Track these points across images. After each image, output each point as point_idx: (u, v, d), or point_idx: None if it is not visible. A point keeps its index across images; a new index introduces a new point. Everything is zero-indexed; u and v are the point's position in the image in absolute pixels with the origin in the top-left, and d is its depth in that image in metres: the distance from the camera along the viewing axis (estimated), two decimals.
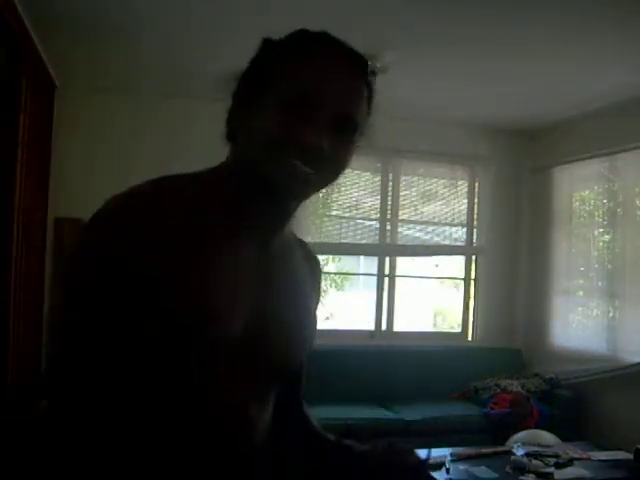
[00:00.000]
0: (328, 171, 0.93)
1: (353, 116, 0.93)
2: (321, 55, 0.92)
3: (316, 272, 1.15)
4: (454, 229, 5.22)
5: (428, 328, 5.26)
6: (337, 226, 4.80)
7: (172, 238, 0.87)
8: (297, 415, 1.18)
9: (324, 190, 1.01)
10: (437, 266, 5.38)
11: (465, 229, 5.24)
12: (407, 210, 5.06)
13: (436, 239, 5.15)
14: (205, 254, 0.90)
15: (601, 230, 4.62)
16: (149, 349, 0.87)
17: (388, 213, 5.00)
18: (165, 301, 0.86)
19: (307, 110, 0.88)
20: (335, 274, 5.75)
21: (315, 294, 1.13)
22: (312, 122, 0.88)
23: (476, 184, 5.24)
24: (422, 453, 1.09)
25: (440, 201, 5.15)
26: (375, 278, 5.05)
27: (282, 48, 0.94)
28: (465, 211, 5.21)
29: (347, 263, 5.59)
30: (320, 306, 1.17)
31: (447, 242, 5.19)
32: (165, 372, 0.88)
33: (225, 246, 0.93)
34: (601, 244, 4.63)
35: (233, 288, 0.92)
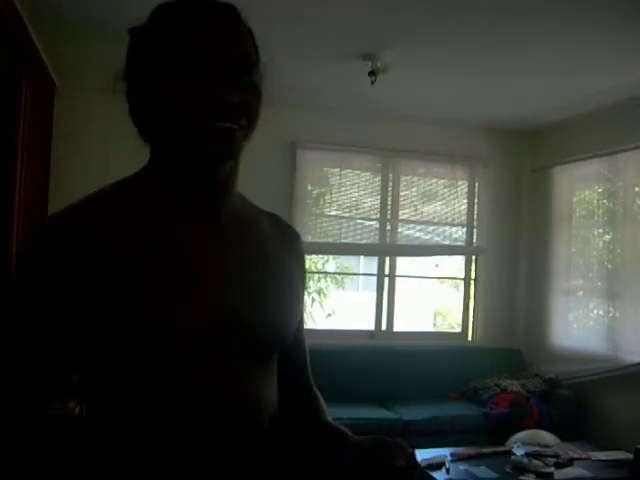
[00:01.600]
0: (246, 119, 0.92)
1: (242, 58, 0.92)
2: (190, 18, 0.91)
3: (293, 243, 1.11)
4: (454, 229, 5.21)
5: (428, 328, 5.26)
6: (337, 226, 4.79)
7: (110, 247, 0.88)
8: (301, 398, 1.15)
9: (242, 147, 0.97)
10: (437, 266, 5.38)
11: (465, 229, 5.23)
12: (407, 210, 5.06)
13: (436, 239, 5.15)
14: (149, 256, 0.89)
15: (601, 230, 4.62)
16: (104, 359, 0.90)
17: (388, 213, 4.99)
18: (110, 314, 0.86)
19: (202, 72, 0.88)
20: (334, 274, 5.75)
21: (294, 265, 1.08)
22: (212, 82, 0.88)
23: (476, 184, 5.24)
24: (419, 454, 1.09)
25: (440, 201, 5.15)
26: (375, 278, 5.06)
27: (151, 29, 0.95)
28: (465, 211, 5.21)
29: (347, 263, 5.59)
30: (305, 276, 1.14)
31: (447, 242, 5.18)
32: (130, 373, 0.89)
33: (168, 239, 0.92)
34: (601, 244, 4.63)
35: (185, 283, 0.90)
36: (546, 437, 3.60)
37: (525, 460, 3.08)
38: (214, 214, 0.96)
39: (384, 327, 5.03)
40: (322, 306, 5.57)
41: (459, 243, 5.24)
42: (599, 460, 3.25)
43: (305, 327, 1.18)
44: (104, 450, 0.92)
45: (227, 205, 0.98)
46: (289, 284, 1.04)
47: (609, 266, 4.47)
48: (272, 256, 1.03)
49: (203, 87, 0.87)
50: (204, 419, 0.91)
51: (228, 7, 0.94)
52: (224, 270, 0.95)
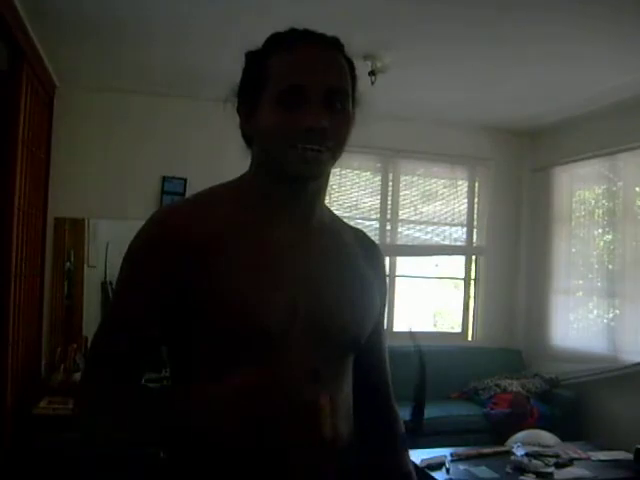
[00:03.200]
0: (333, 144, 1.01)
1: (340, 86, 1.01)
2: (295, 48, 1.01)
3: (374, 255, 1.21)
4: (454, 229, 5.21)
5: (428, 328, 5.25)
6: None
7: (216, 239, 0.99)
8: (378, 412, 1.28)
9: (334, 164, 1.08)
10: (437, 266, 5.38)
11: (465, 229, 5.23)
12: (407, 210, 5.06)
13: (436, 239, 5.15)
14: (245, 251, 1.00)
15: (601, 230, 4.62)
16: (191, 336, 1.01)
17: (388, 213, 4.99)
18: (208, 301, 0.97)
19: (298, 97, 0.97)
20: None
21: (373, 273, 1.17)
22: (306, 106, 0.97)
23: (476, 184, 5.24)
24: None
25: (440, 201, 5.15)
26: None
27: (261, 54, 1.04)
28: (465, 211, 5.21)
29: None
30: (384, 288, 1.23)
31: (447, 242, 5.18)
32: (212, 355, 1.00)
33: (263, 239, 1.03)
34: (601, 244, 4.63)
35: (269, 275, 1.00)
36: (546, 437, 3.60)
37: (525, 460, 3.08)
38: (301, 220, 1.07)
39: (384, 327, 5.02)
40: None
41: (459, 243, 5.24)
42: (599, 460, 3.25)
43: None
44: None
45: (315, 215, 1.09)
46: (365, 290, 1.12)
47: (609, 266, 4.47)
48: (351, 263, 1.13)
49: (297, 111, 0.97)
50: (272, 421, 0.94)
51: (331, 40, 1.05)
52: (305, 269, 1.04)
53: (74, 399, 1.09)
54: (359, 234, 1.22)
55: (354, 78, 1.07)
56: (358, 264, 1.13)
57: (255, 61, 1.04)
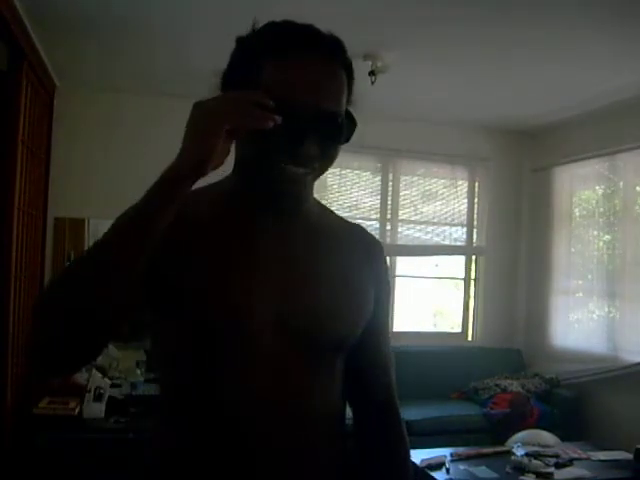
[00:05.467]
0: (320, 165, 0.97)
1: (334, 110, 0.93)
2: (293, 58, 0.93)
3: (374, 252, 1.14)
4: (454, 229, 5.22)
5: (428, 328, 5.25)
6: None
7: (197, 237, 0.97)
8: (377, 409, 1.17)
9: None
10: (437, 266, 5.38)
11: (465, 229, 5.24)
12: (407, 210, 5.06)
13: (436, 239, 5.15)
14: (222, 250, 0.98)
15: (601, 230, 4.62)
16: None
17: (388, 213, 4.99)
18: (174, 289, 0.95)
19: (287, 116, 0.88)
20: None
21: (368, 270, 1.10)
22: (297, 127, 0.90)
23: (476, 184, 5.24)
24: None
25: (440, 201, 5.15)
26: None
27: (254, 51, 0.96)
28: (465, 211, 5.21)
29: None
30: (385, 286, 1.16)
31: (447, 242, 5.18)
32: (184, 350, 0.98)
33: (243, 238, 1.00)
34: (601, 244, 4.63)
35: (250, 278, 0.97)
36: (546, 437, 3.60)
37: (525, 460, 3.07)
38: (285, 219, 1.02)
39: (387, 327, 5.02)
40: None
41: (459, 243, 5.24)
42: (599, 460, 3.25)
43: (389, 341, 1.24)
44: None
45: (300, 213, 1.04)
46: (353, 288, 1.06)
47: (609, 266, 4.47)
48: (338, 261, 1.06)
49: (287, 130, 0.89)
50: (228, 417, 0.96)
51: (333, 42, 0.96)
52: (284, 268, 1.00)
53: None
54: (357, 230, 1.16)
55: (351, 80, 0.99)
56: (348, 261, 1.07)
57: (245, 57, 0.97)
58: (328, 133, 0.93)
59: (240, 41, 1.00)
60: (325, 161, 0.97)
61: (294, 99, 0.89)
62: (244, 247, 0.99)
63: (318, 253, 1.04)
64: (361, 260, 1.10)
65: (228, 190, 1.04)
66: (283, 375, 0.96)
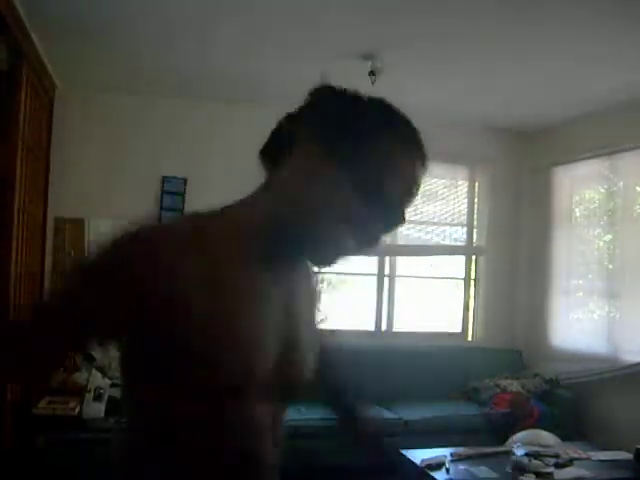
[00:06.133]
0: None
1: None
2: (414, 172, 0.96)
3: (312, 278, 1.15)
4: (454, 229, 5.22)
5: (428, 328, 5.25)
6: None
7: (201, 276, 0.88)
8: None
9: None
10: (437, 266, 5.38)
11: (465, 229, 5.24)
12: (407, 210, 5.04)
13: (436, 239, 5.15)
14: (233, 295, 0.91)
15: (601, 230, 4.62)
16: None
17: None
18: (188, 338, 0.87)
19: (382, 206, 0.91)
20: (335, 273, 5.72)
21: (316, 302, 1.15)
22: (380, 232, 0.94)
23: (476, 184, 5.24)
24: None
25: (440, 201, 5.15)
26: (375, 278, 5.05)
27: (382, 129, 0.93)
28: (465, 211, 5.21)
29: (347, 263, 5.59)
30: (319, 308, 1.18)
31: (447, 242, 5.18)
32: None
33: (251, 285, 0.94)
34: (601, 244, 4.63)
35: (262, 327, 0.94)
36: (546, 437, 3.60)
37: (525, 460, 3.07)
38: (286, 274, 1.00)
39: (384, 327, 5.03)
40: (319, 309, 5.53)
41: (459, 243, 5.24)
42: (599, 460, 3.25)
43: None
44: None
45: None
46: (318, 333, 1.12)
47: (609, 266, 4.47)
48: (311, 307, 1.11)
49: (374, 225, 0.92)
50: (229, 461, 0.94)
51: (424, 146, 0.98)
52: (284, 320, 0.98)
53: None
54: None
55: None
56: (312, 304, 1.12)
57: (373, 126, 0.92)
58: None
59: (364, 104, 0.96)
60: None
61: (399, 198, 0.94)
62: (249, 300, 0.94)
63: (301, 294, 1.04)
64: (310, 288, 1.13)
65: (254, 233, 0.95)
66: (272, 427, 0.98)
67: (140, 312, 0.86)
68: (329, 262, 0.96)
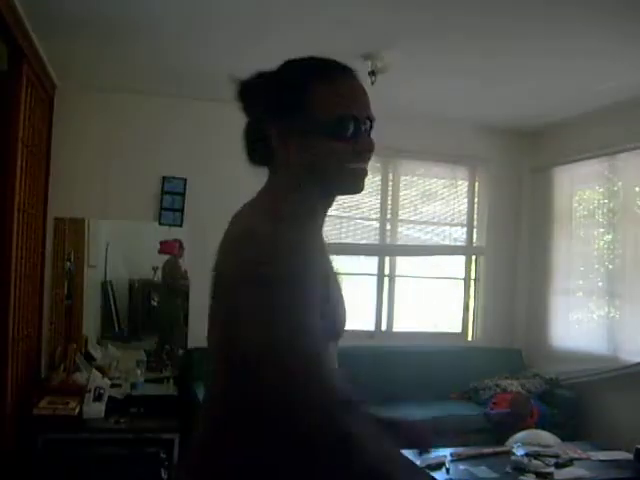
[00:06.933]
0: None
1: (373, 117, 1.18)
2: (336, 79, 1.15)
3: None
4: (454, 229, 5.21)
5: (428, 328, 5.25)
6: (337, 226, 4.79)
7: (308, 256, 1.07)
8: None
9: None
10: (437, 266, 5.38)
11: (465, 229, 5.24)
12: (407, 210, 5.06)
13: (436, 239, 5.15)
14: (325, 267, 1.16)
15: (601, 230, 4.62)
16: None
17: (388, 213, 4.99)
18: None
19: (351, 126, 1.12)
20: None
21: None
22: (359, 134, 1.13)
23: (476, 184, 5.24)
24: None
25: (440, 201, 5.15)
26: (375, 278, 5.05)
27: (301, 81, 1.15)
28: (465, 211, 5.21)
29: (347, 263, 5.58)
30: None
31: (447, 242, 5.18)
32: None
33: (325, 256, 1.19)
34: (601, 244, 4.63)
35: (334, 291, 1.16)
36: (546, 437, 3.60)
37: (525, 460, 3.08)
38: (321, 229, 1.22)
39: (384, 327, 5.03)
40: None
41: (459, 243, 5.24)
42: (599, 460, 3.25)
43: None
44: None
45: None
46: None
47: (609, 266, 4.47)
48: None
49: (352, 138, 1.12)
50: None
51: (352, 68, 1.19)
52: (335, 278, 1.20)
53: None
54: None
55: None
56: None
57: (294, 87, 1.14)
58: (370, 131, 1.17)
59: (280, 70, 1.19)
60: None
61: (351, 108, 1.12)
62: (324, 264, 1.17)
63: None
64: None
65: (301, 211, 1.14)
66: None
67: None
68: (355, 186, 1.18)
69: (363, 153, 1.15)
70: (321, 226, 1.21)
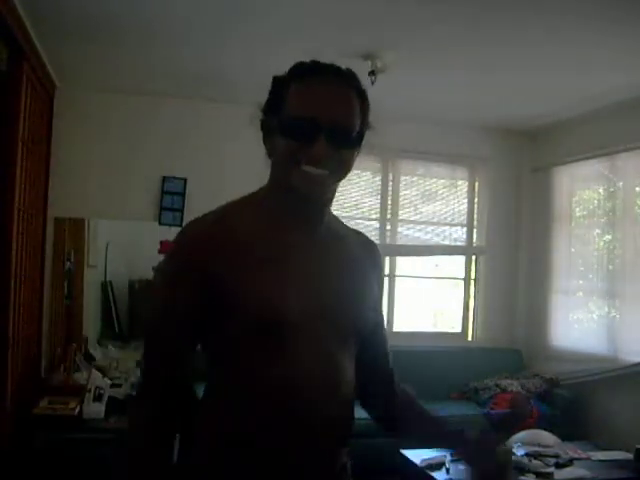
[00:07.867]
0: (337, 169, 1.16)
1: (347, 124, 1.14)
2: (312, 80, 1.14)
3: (374, 253, 1.36)
4: (454, 229, 5.22)
5: (428, 328, 5.25)
6: None
7: (237, 249, 1.13)
8: (388, 392, 1.41)
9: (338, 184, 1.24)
10: (437, 266, 5.38)
11: (465, 229, 5.24)
12: (407, 210, 5.06)
13: (436, 239, 5.15)
14: (262, 255, 1.15)
15: (601, 230, 4.62)
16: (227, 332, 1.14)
17: (388, 213, 4.99)
18: (235, 298, 1.11)
19: (308, 127, 1.11)
20: None
21: (372, 270, 1.32)
22: (315, 137, 1.10)
23: (476, 184, 5.24)
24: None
25: (440, 201, 5.15)
26: None
27: (283, 83, 1.17)
28: (465, 211, 5.22)
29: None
30: (382, 282, 1.41)
31: (447, 242, 5.19)
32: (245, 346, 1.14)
33: (278, 245, 1.17)
34: (601, 244, 4.63)
35: (285, 280, 1.15)
36: (546, 437, 3.60)
37: (525, 460, 3.08)
38: (311, 227, 1.22)
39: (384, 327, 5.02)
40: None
41: (459, 243, 5.24)
42: (599, 460, 3.25)
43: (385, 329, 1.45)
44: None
45: (322, 222, 1.24)
46: (365, 285, 1.28)
47: (609, 266, 4.47)
48: (354, 262, 1.27)
49: (306, 140, 1.11)
50: (297, 390, 1.12)
51: (347, 74, 1.17)
52: (313, 268, 1.19)
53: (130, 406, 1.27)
54: (361, 236, 1.38)
55: (366, 107, 1.20)
56: (358, 262, 1.28)
57: (277, 86, 1.18)
58: (337, 139, 1.12)
59: (274, 78, 1.21)
60: (340, 165, 1.15)
61: (307, 110, 1.11)
62: (279, 254, 1.16)
63: (338, 256, 1.25)
64: (368, 261, 1.31)
65: (264, 202, 1.21)
66: (328, 354, 1.16)
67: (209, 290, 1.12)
68: (302, 189, 1.14)
69: (312, 158, 1.11)
70: (300, 223, 1.20)
